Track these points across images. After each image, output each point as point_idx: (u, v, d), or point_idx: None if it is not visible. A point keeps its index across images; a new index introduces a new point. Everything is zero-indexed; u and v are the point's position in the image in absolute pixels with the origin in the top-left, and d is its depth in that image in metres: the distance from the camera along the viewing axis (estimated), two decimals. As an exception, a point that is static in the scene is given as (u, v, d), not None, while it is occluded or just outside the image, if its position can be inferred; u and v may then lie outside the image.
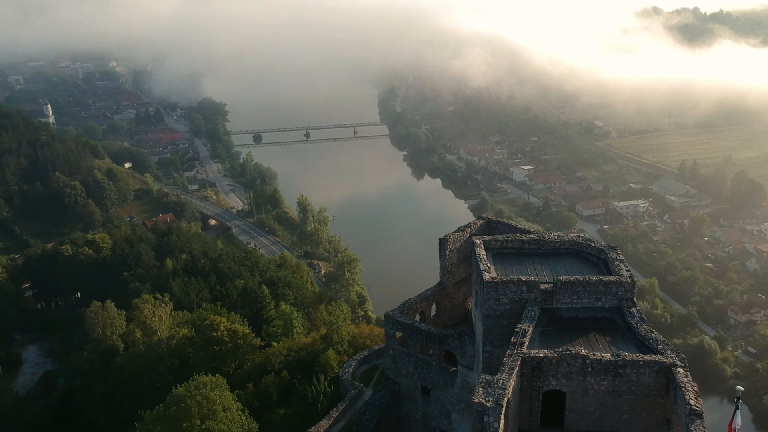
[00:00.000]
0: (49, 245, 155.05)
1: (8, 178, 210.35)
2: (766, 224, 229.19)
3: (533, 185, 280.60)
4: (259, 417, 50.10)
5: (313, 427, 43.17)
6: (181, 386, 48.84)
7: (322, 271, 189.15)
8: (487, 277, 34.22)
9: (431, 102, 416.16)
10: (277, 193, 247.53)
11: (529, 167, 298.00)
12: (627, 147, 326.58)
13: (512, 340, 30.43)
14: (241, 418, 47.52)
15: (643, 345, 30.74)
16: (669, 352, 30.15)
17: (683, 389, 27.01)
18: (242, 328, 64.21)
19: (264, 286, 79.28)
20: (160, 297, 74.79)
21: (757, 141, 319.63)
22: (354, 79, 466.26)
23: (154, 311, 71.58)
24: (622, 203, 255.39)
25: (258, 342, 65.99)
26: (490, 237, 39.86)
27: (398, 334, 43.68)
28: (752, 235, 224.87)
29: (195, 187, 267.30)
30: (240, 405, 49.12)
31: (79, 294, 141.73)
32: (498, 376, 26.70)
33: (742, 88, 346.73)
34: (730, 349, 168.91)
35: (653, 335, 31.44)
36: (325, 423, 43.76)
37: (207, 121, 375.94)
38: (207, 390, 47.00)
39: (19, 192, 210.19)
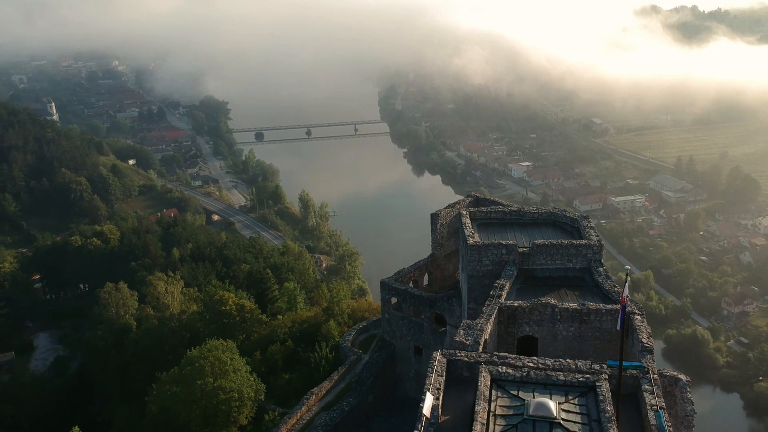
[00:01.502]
0: (57, 239, 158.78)
1: (15, 174, 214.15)
2: (760, 218, 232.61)
3: (531, 181, 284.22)
4: (266, 381, 53.97)
5: (315, 388, 47.00)
6: (194, 349, 52.81)
7: (324, 265, 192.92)
8: (471, 241, 38.31)
9: (431, 100, 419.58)
10: (279, 189, 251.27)
11: (528, 163, 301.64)
12: (625, 144, 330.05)
13: (491, 293, 34.39)
14: (249, 379, 51.44)
15: (607, 297, 34.71)
16: (631, 302, 34.02)
17: (638, 331, 30.88)
18: (249, 303, 68.38)
19: (268, 270, 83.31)
20: (172, 275, 78.56)
21: (753, 138, 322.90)
22: (354, 78, 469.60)
23: (166, 288, 75.48)
24: (619, 198, 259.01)
25: (264, 318, 69.94)
26: (476, 209, 44.01)
27: (393, 300, 47.65)
28: (747, 229, 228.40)
29: (198, 183, 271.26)
30: (249, 368, 53.03)
31: (87, 286, 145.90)
32: (477, 321, 30.49)
33: (739, 86, 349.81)
34: (723, 339, 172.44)
35: (616, 289, 35.37)
36: (326, 384, 47.62)
37: (209, 119, 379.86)
38: (218, 352, 50.96)
39: (26, 187, 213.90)
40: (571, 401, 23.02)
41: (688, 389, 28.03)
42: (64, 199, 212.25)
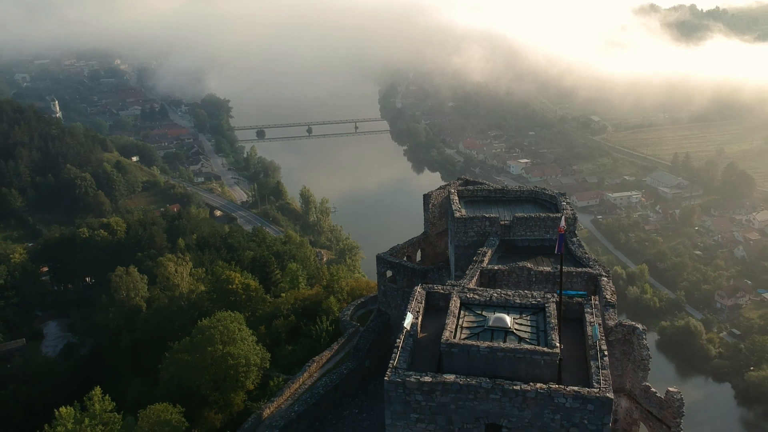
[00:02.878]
0: (64, 230, 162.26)
1: (21, 170, 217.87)
2: (754, 214, 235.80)
3: (530, 178, 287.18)
4: (270, 352, 57.52)
5: (316, 356, 50.65)
6: (205, 320, 56.50)
7: (324, 259, 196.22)
8: (457, 214, 42.09)
9: (431, 98, 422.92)
10: (280, 185, 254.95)
11: (526, 160, 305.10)
12: (622, 141, 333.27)
13: (474, 259, 38.06)
14: (255, 348, 55.13)
15: (579, 263, 38.31)
16: (597, 266, 37.65)
17: (603, 289, 34.50)
18: (254, 283, 72.13)
19: (272, 256, 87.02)
20: (181, 256, 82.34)
21: (749, 135, 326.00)
22: (355, 76, 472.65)
23: (176, 269, 79.18)
24: (615, 195, 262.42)
25: (269, 298, 73.66)
26: (464, 188, 47.79)
27: (388, 273, 51.35)
28: (741, 225, 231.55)
29: (200, 179, 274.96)
30: (255, 338, 56.71)
31: (92, 279, 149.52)
32: (461, 281, 34.06)
33: (736, 84, 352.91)
34: (716, 331, 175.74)
35: (587, 255, 39.05)
36: (327, 353, 51.27)
37: (211, 117, 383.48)
38: (227, 322, 54.66)
39: (32, 183, 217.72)
40: (524, 317, 27.68)
41: (644, 337, 31.65)
42: (69, 194, 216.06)
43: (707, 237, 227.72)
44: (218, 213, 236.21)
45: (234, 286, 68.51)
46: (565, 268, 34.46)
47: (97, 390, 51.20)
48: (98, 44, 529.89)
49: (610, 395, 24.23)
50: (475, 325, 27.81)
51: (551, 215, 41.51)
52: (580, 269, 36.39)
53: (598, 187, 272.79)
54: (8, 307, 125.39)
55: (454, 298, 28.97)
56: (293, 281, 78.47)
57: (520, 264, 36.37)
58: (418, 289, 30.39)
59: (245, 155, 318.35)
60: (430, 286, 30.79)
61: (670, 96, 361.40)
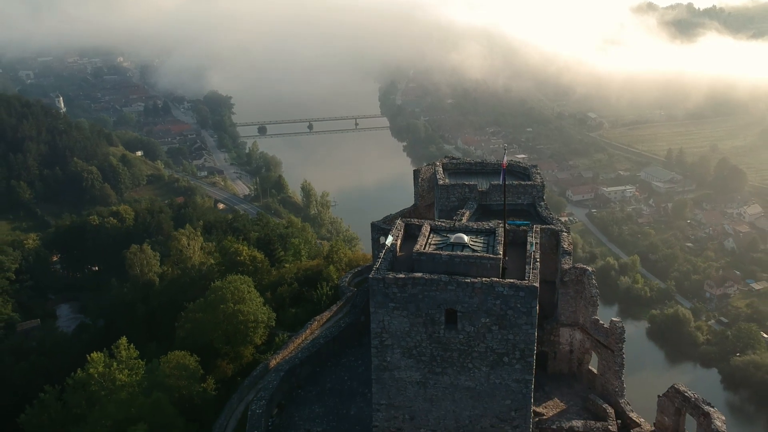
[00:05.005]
0: (75, 218, 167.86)
1: (30, 163, 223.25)
2: (745, 207, 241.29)
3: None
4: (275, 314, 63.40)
5: (317, 316, 56.37)
6: (217, 281, 62.35)
7: (325, 249, 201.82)
8: (441, 182, 48.03)
9: (431, 95, 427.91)
10: (281, 179, 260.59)
11: (523, 156, 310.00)
12: (618, 137, 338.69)
13: (453, 218, 43.85)
14: (262, 308, 61.04)
15: (544, 221, 44.13)
16: (559, 224, 43.50)
17: (562, 240, 40.37)
18: (260, 255, 78.08)
19: (276, 236, 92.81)
20: (193, 230, 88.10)
21: (743, 131, 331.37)
22: (355, 74, 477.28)
23: (188, 242, 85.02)
24: (610, 189, 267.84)
25: (273, 271, 79.53)
26: (448, 161, 53.67)
27: (381, 239, 57.01)
28: (732, 218, 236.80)
29: (203, 173, 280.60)
30: (262, 300, 62.52)
31: (100, 266, 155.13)
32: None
33: (730, 81, 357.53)
34: (704, 319, 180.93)
35: (552, 216, 44.92)
36: (327, 314, 56.89)
37: (213, 113, 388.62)
38: (237, 284, 60.55)
39: (40, 176, 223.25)
40: (478, 237, 34.36)
41: (593, 278, 37.40)
42: (76, 187, 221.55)
43: (698, 230, 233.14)
44: (221, 206, 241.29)
45: (242, 258, 74.51)
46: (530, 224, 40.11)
47: (123, 339, 57.05)
48: (101, 42, 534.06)
49: (536, 285, 31.23)
50: (440, 242, 35.42)
51: (522, 183, 47.40)
52: (544, 226, 42.17)
53: (593, 181, 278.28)
54: (23, 290, 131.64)
55: (425, 225, 36.76)
56: (296, 254, 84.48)
57: (492, 221, 42.11)
58: (398, 221, 36.74)
59: (247, 151, 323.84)
60: (409, 219, 36.92)
61: (666, 93, 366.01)
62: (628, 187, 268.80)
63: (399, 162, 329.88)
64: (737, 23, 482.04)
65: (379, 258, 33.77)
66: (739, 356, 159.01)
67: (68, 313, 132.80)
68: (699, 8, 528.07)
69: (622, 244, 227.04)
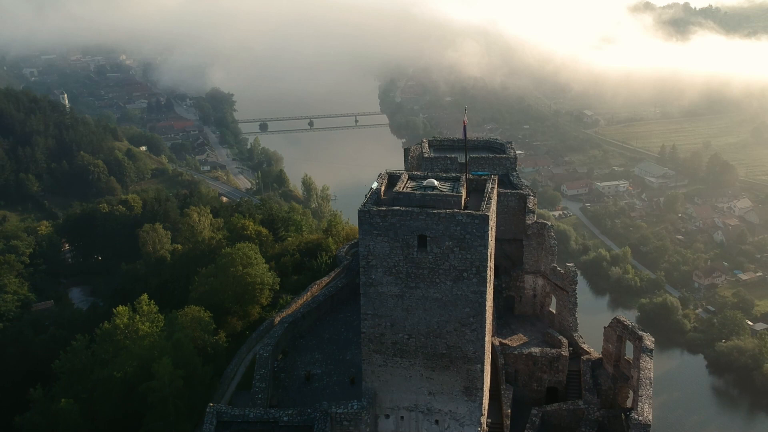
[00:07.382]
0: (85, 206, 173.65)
1: (38, 157, 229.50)
2: (735, 201, 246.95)
3: (522, 168, 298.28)
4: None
5: (317, 281, 62.58)
6: (226, 248, 68.58)
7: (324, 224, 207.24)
8: (426, 155, 54.47)
9: (430, 93, 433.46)
10: (282, 173, 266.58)
11: (520, 152, 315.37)
12: (613, 134, 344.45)
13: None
14: (267, 273, 67.28)
15: (515, 187, 50.57)
16: (528, 189, 49.85)
17: (528, 202, 46.70)
18: (265, 230, 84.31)
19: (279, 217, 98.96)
20: (203, 207, 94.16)
21: (736, 128, 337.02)
22: (355, 72, 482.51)
23: (199, 218, 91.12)
24: (603, 183, 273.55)
25: (277, 246, 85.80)
26: (433, 138, 60.12)
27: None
28: (722, 212, 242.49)
29: (206, 168, 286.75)
30: (267, 266, 68.75)
31: (105, 256, 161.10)
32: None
33: (725, 79, 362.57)
34: (692, 307, 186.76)
35: (521, 182, 51.34)
36: (326, 279, 63.02)
37: (215, 110, 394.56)
38: (246, 250, 66.77)
39: (47, 169, 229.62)
40: (446, 183, 41.62)
41: (552, 231, 43.68)
42: (82, 180, 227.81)
43: (689, 223, 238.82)
44: (224, 199, 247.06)
45: (248, 232, 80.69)
46: (502, 189, 46.38)
47: (145, 296, 63.23)
48: (104, 40, 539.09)
49: (488, 214, 38.33)
50: (415, 186, 43.50)
51: (497, 156, 53.71)
52: (514, 191, 48.52)
53: (587, 176, 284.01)
54: (37, 273, 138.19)
55: (404, 174, 44.64)
56: (298, 229, 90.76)
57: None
58: (382, 172, 43.19)
59: (249, 147, 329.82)
60: (391, 171, 43.48)
61: (661, 91, 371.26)
62: (621, 182, 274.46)
63: (398, 158, 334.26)
64: (733, 22, 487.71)
65: (366, 197, 41.01)
66: (724, 342, 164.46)
67: (80, 296, 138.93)
68: (695, 7, 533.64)
69: (615, 236, 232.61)
